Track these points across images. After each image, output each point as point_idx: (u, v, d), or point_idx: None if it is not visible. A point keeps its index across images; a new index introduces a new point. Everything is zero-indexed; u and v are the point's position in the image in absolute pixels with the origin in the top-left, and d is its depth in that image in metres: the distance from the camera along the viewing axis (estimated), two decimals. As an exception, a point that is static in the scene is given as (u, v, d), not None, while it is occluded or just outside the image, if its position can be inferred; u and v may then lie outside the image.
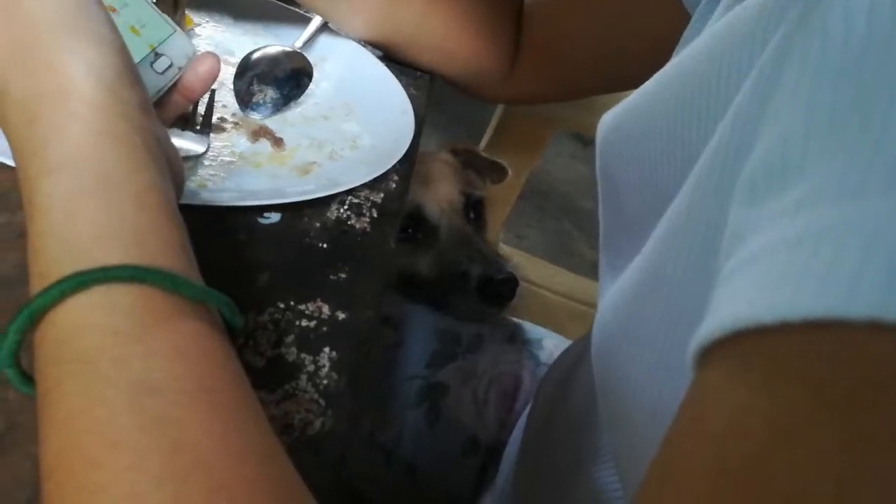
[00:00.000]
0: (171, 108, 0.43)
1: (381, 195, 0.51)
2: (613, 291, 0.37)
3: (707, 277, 0.22)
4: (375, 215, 0.49)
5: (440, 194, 0.79)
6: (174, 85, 0.42)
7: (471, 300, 0.74)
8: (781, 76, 0.22)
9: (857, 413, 0.16)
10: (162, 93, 0.42)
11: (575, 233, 2.02)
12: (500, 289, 0.73)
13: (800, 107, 0.20)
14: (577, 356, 0.55)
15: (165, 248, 0.28)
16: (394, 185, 0.52)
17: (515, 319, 0.80)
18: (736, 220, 0.21)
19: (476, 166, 0.90)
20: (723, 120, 0.27)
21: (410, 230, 0.77)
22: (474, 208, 0.82)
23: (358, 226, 0.48)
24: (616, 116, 0.38)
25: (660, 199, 0.33)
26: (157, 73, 0.41)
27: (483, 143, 1.07)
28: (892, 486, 0.15)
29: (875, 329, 0.16)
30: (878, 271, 0.16)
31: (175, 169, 0.33)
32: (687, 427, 0.20)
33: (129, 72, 0.32)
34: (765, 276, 0.18)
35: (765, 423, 0.17)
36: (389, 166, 0.51)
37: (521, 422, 0.65)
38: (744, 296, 0.18)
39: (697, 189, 0.28)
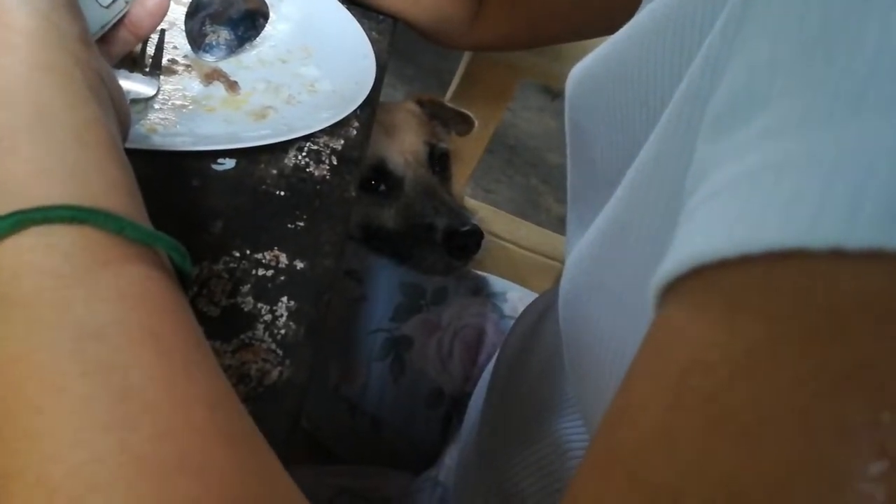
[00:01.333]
0: (117, 45, 0.41)
1: (341, 142, 0.49)
2: (582, 242, 0.36)
3: (674, 223, 0.21)
4: (335, 162, 0.47)
5: (405, 145, 0.78)
6: (121, 20, 0.40)
7: (436, 253, 0.73)
8: (750, 10, 0.21)
9: (817, 345, 0.15)
10: (107, 28, 0.39)
11: (542, 187, 2.01)
12: (465, 241, 0.72)
13: (767, 37, 0.19)
14: (543, 308, 0.55)
15: (109, 189, 0.26)
16: (354, 132, 0.51)
17: (480, 272, 0.80)
18: (700, 156, 0.21)
19: (442, 117, 0.88)
20: (694, 61, 0.26)
21: (374, 182, 0.76)
22: (440, 160, 0.81)
23: (317, 173, 0.46)
24: (587, 67, 0.37)
25: (632, 150, 0.32)
26: (103, 6, 0.39)
27: (449, 94, 1.05)
28: (852, 417, 0.14)
29: (836, 258, 0.15)
30: (841, 199, 0.15)
31: (120, 108, 0.31)
32: (644, 367, 0.19)
33: (67, 2, 0.30)
34: (727, 209, 0.17)
35: (724, 358, 0.16)
36: (349, 112, 0.49)
37: (486, 374, 0.65)
38: (705, 230, 0.18)
39: (667, 133, 0.27)
